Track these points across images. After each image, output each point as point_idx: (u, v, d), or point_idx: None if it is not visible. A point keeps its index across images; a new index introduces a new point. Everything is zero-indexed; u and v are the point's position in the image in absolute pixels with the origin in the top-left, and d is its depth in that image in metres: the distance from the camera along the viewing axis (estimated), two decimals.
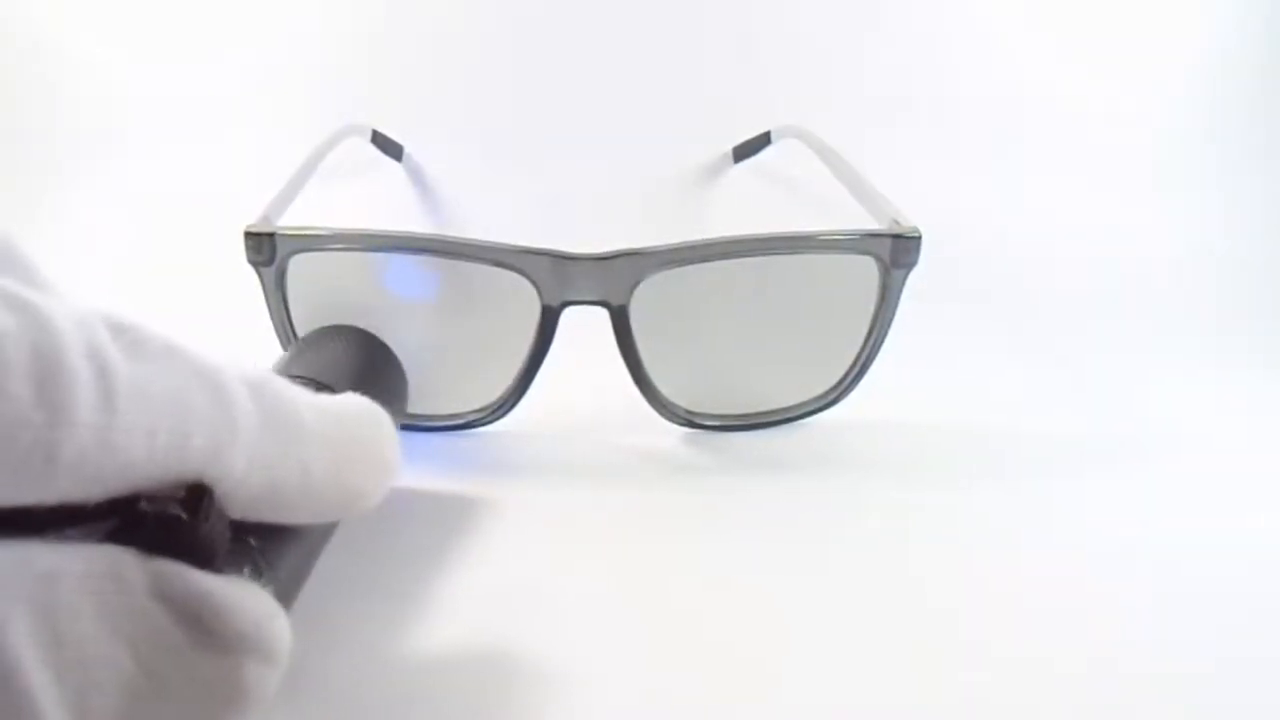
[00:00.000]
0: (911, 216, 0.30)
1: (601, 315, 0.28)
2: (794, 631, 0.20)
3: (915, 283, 0.29)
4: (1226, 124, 0.44)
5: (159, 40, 0.42)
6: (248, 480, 0.14)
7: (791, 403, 0.31)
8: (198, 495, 0.14)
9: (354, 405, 0.16)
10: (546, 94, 0.42)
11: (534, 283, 0.28)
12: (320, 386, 0.22)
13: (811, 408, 0.31)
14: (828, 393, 0.30)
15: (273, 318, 0.28)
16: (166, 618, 0.13)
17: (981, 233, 0.40)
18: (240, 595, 0.14)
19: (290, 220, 0.29)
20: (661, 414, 0.30)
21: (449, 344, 0.29)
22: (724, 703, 0.17)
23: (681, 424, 0.30)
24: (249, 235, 0.27)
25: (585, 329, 0.28)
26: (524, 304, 0.28)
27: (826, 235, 0.29)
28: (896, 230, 0.29)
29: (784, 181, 0.41)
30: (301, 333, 0.27)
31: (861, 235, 0.29)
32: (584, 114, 0.42)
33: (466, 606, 0.20)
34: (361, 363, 0.25)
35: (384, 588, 0.21)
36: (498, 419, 0.29)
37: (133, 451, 0.12)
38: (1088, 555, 0.23)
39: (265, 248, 0.27)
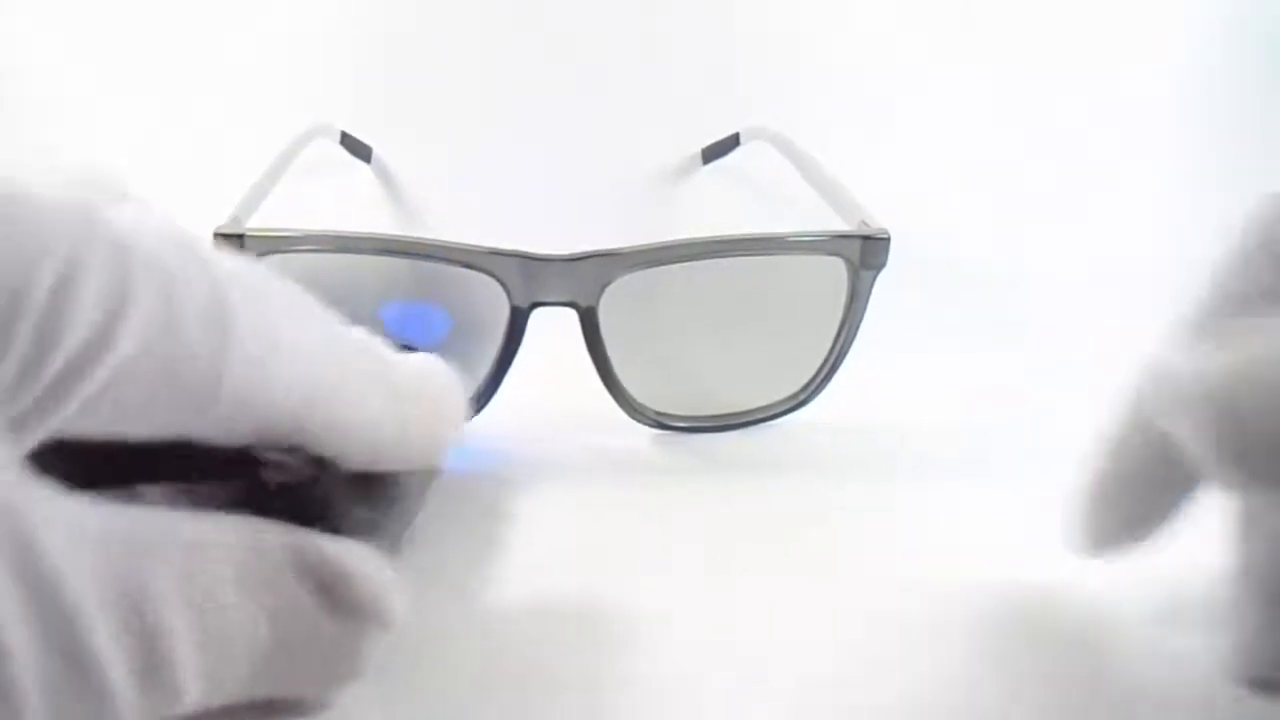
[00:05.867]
0: (881, 218, 0.30)
1: (571, 316, 0.28)
2: (763, 632, 0.20)
3: (884, 283, 0.29)
4: (1223, 120, 0.44)
5: (129, 38, 0.42)
6: (360, 438, 0.15)
7: (761, 404, 0.31)
8: (318, 460, 0.15)
9: (432, 362, 0.18)
10: (515, 95, 0.42)
11: (503, 284, 0.28)
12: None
13: (781, 409, 0.31)
14: (797, 394, 0.31)
15: None
16: (301, 588, 0.14)
17: (952, 233, 0.40)
18: (368, 566, 0.15)
19: (259, 222, 0.29)
20: (631, 415, 0.30)
21: (417, 345, 0.29)
22: (695, 702, 0.17)
23: (651, 425, 0.30)
24: (218, 236, 0.27)
25: (554, 330, 0.28)
26: (493, 305, 0.28)
27: (796, 236, 0.29)
28: (865, 231, 0.29)
29: (753, 183, 0.41)
30: None
31: (830, 236, 0.29)
32: (553, 115, 0.42)
33: (429, 613, 0.20)
34: None
35: None
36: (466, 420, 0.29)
37: (275, 398, 0.14)
38: (1070, 555, 0.23)
39: (235, 249, 0.27)
